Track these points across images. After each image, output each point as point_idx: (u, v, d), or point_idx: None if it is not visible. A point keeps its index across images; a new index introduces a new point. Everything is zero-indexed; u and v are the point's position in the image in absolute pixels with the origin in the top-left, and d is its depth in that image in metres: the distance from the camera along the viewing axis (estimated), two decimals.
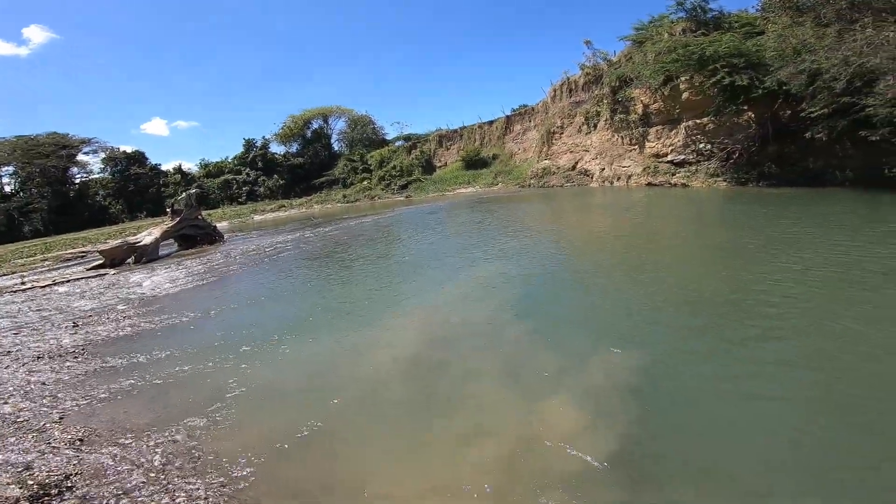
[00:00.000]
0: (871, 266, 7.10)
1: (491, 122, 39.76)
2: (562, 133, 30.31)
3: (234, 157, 49.24)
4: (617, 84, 24.52)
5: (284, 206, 37.48)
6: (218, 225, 21.89)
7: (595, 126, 26.79)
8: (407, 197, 35.64)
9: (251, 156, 47.62)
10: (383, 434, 4.25)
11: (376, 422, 4.45)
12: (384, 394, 4.94)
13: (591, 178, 26.24)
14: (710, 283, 7.12)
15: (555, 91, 32.86)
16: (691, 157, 19.24)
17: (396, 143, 46.88)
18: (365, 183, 41.81)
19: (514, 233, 13.40)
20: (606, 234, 12.32)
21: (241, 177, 46.33)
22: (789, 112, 15.61)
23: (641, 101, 22.66)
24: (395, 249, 13.81)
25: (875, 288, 6.30)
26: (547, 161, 31.21)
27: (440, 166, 41.61)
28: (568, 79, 31.96)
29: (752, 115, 16.97)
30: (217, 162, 49.53)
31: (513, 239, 12.37)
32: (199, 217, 18.64)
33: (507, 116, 38.33)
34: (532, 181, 30.84)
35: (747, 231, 10.24)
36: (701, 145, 18.82)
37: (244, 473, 3.84)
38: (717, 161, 17.83)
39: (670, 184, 19.66)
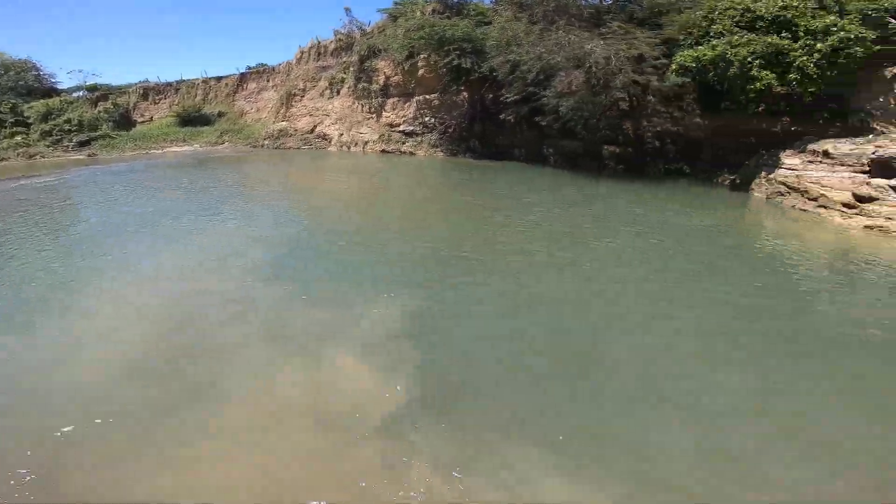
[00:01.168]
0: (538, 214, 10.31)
1: (220, 79, 34.16)
2: (303, 96, 27.79)
3: None
4: (366, 54, 23.79)
5: None
6: None
7: (338, 92, 25.39)
8: (90, 155, 26.99)
9: None
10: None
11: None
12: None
13: (330, 142, 24.51)
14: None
15: (302, 53, 30.20)
16: (419, 128, 19.77)
17: (75, 94, 35.20)
18: (18, 139, 29.32)
19: (254, 198, 12.55)
20: (351, 195, 12.65)
21: None
22: (491, 96, 17.35)
23: (385, 72, 22.54)
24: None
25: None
26: (284, 122, 28.03)
27: (143, 121, 32.91)
28: (318, 43, 29.76)
29: (466, 96, 18.34)
30: None
31: (252, 203, 11.77)
32: None
33: (242, 74, 33.47)
34: (266, 142, 27.15)
35: (470, 193, 12.37)
36: (427, 118, 19.56)
37: None
38: (438, 134, 18.59)
39: (401, 151, 19.82)
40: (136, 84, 35.19)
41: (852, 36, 11.93)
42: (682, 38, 14.35)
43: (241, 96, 32.56)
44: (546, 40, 15.67)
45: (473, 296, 6.41)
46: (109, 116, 32.37)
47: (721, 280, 7.09)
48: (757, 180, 12.77)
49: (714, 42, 13.16)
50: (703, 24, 13.85)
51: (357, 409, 4.10)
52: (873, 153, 11.08)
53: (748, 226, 10.92)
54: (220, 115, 32.28)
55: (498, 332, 5.52)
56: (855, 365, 4.91)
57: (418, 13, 22.47)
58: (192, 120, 31.55)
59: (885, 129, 12.72)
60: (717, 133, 14.19)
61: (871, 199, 10.59)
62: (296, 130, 27.01)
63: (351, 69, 24.58)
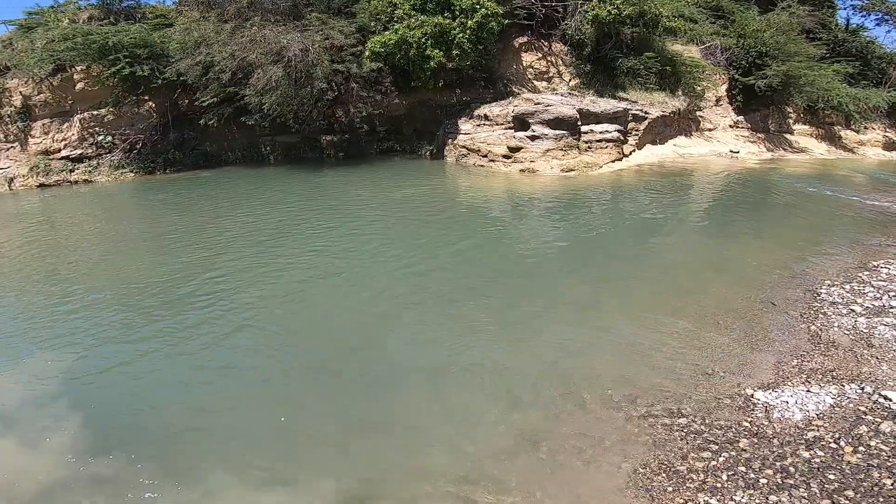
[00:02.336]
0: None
1: None
2: None
3: None
4: None
5: None
6: None
7: None
8: None
9: None
10: None
11: None
12: None
13: None
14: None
15: None
16: (91, 150, 15.91)
17: None
18: None
19: None
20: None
21: None
22: (187, 101, 15.43)
23: (21, 92, 16.97)
24: None
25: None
26: None
27: None
28: None
29: (154, 105, 15.77)
30: None
31: None
32: None
33: None
34: None
35: (147, 222, 10.49)
36: (100, 138, 15.90)
37: None
38: (121, 152, 15.45)
39: (69, 181, 15.45)
40: None
41: (489, 12, 14.75)
42: (372, 24, 15.41)
43: None
44: (239, 38, 14.69)
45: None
46: None
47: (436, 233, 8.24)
48: (447, 147, 15.21)
49: (396, 26, 14.58)
50: (388, 10, 15.16)
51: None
52: (513, 112, 14.59)
53: (446, 187, 12.92)
54: None
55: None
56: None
57: (66, 21, 17.82)
58: None
59: (520, 91, 16.79)
60: (413, 109, 16.12)
61: (518, 149, 14.01)
62: None
63: None
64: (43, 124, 16.60)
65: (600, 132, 14.71)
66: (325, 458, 3.68)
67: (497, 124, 14.43)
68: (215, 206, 11.10)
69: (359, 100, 15.67)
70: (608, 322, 5.50)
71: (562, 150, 13.62)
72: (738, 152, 18.26)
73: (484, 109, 14.78)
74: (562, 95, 15.76)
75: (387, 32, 14.67)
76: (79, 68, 16.22)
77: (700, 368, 4.63)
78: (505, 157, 13.54)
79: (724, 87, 20.44)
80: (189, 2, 18.17)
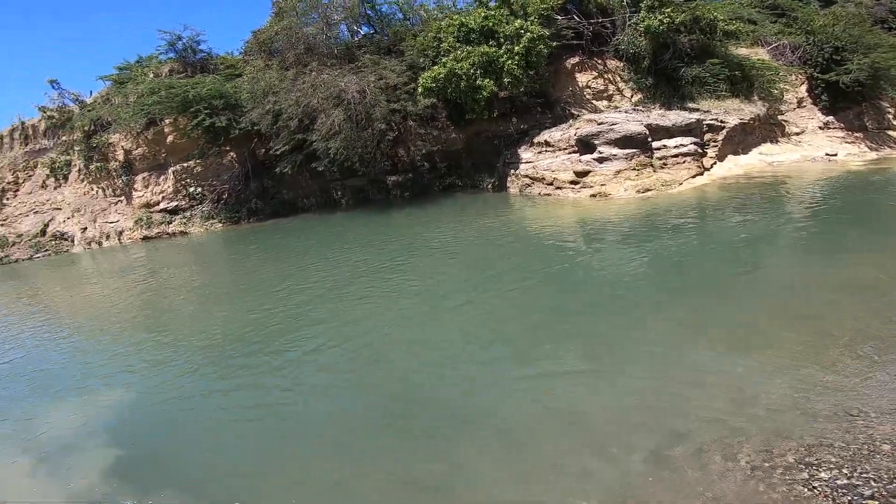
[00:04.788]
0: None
1: None
2: (17, 190, 21.66)
3: None
4: (92, 128, 19.92)
5: None
6: None
7: (66, 178, 20.57)
8: None
9: None
10: None
11: None
12: None
13: (72, 241, 19.66)
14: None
15: (1, 138, 23.56)
16: (184, 202, 17.41)
17: None
18: None
19: None
20: (105, 304, 10.40)
21: None
22: (264, 150, 16.43)
23: (122, 146, 19.17)
24: None
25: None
26: (1, 228, 21.35)
27: None
28: (23, 123, 23.68)
29: (234, 155, 16.98)
30: None
31: None
32: None
33: None
34: None
35: (237, 273, 11.28)
36: (192, 189, 17.38)
37: None
38: (210, 203, 16.80)
39: (168, 234, 17.03)
40: None
41: (535, 35, 14.59)
42: (421, 60, 15.80)
43: None
44: (301, 84, 15.51)
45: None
46: None
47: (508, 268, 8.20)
48: (509, 178, 14.99)
49: (444, 60, 14.80)
50: (434, 44, 15.49)
51: None
52: (575, 135, 14.14)
53: (514, 219, 12.68)
54: None
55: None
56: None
57: (151, 75, 19.91)
58: None
59: (579, 113, 16.34)
60: (470, 142, 16.17)
61: (586, 173, 13.49)
62: (19, 236, 20.89)
63: (76, 149, 20.23)
64: (143, 178, 18.58)
65: (675, 146, 13.81)
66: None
67: (560, 149, 14.05)
68: (296, 254, 11.67)
69: (417, 137, 15.97)
70: (714, 357, 4.76)
71: (634, 169, 12.92)
72: (835, 155, 16.36)
73: (544, 135, 14.47)
74: (626, 112, 15.06)
75: (436, 67, 14.83)
76: (167, 121, 18.01)
77: (842, 408, 3.79)
78: (572, 182, 13.07)
79: (804, 87, 18.67)
80: (253, 51, 19.47)
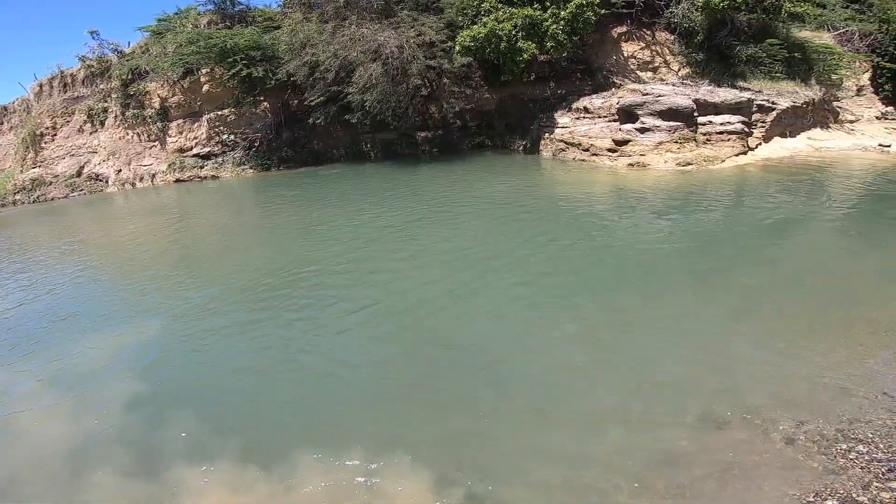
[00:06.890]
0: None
1: None
2: (55, 135, 22.23)
3: None
4: (129, 77, 20.14)
5: None
6: None
7: (103, 124, 20.99)
8: None
9: None
10: None
11: None
12: None
13: (107, 182, 20.08)
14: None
15: (41, 86, 24.14)
16: (217, 148, 17.60)
17: None
18: None
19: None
20: (138, 240, 10.50)
21: None
22: (297, 101, 16.44)
23: (159, 95, 19.43)
24: None
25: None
26: (38, 169, 22.08)
27: None
28: (62, 72, 24.16)
29: (268, 105, 17.07)
30: None
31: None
32: None
33: None
34: (18, 197, 21.12)
35: (266, 217, 11.26)
36: (225, 136, 17.55)
37: None
38: (242, 150, 16.98)
39: (199, 177, 17.30)
40: None
41: (584, 2, 14.08)
42: (460, 19, 15.44)
43: None
44: (340, 37, 15.38)
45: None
46: None
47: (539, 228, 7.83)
48: (543, 141, 14.63)
49: (485, 20, 14.41)
50: (475, 3, 15.09)
51: None
52: (618, 104, 13.68)
53: (549, 182, 12.37)
54: None
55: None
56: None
57: (190, 26, 19.98)
58: None
59: (622, 82, 15.79)
60: (504, 104, 15.81)
61: (626, 142, 13.06)
62: (56, 177, 21.47)
63: (113, 96, 20.56)
64: (177, 124, 18.81)
65: (721, 124, 13.24)
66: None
67: (599, 117, 13.62)
68: (325, 202, 11.69)
69: (450, 95, 15.69)
70: (757, 336, 4.76)
71: (676, 142, 12.44)
72: (889, 146, 15.49)
73: (584, 102, 14.04)
74: (673, 85, 14.48)
75: (475, 26, 14.47)
76: (204, 71, 18.12)
77: (879, 389, 3.87)
78: (610, 150, 12.67)
79: (867, 75, 17.70)
80: (293, 4, 19.36)
